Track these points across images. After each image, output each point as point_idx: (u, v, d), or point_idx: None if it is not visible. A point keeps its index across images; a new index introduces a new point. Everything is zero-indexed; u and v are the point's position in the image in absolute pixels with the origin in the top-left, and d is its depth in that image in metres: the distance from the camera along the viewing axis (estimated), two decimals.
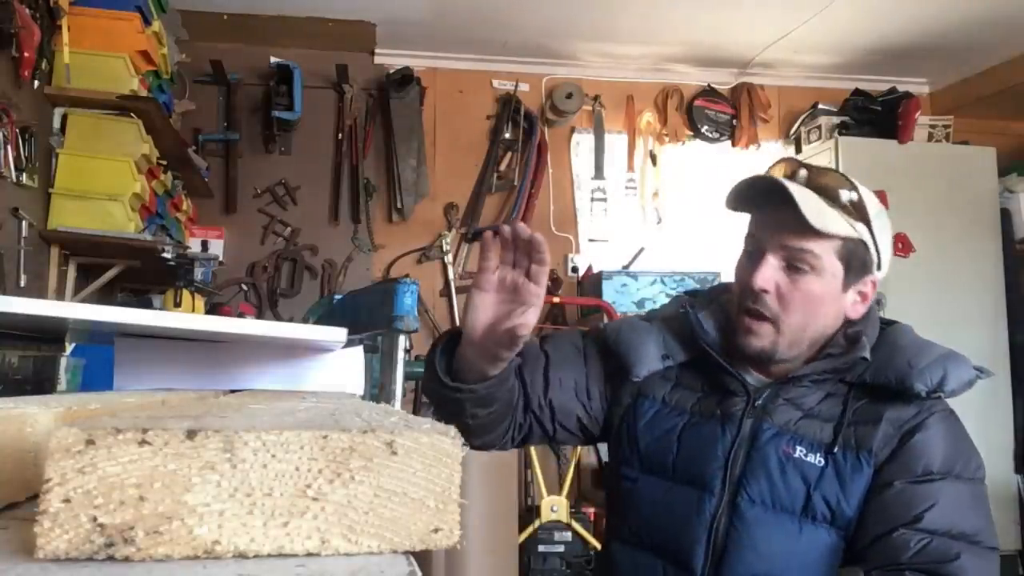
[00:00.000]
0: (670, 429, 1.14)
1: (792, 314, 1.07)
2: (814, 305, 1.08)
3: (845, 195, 1.06)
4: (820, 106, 3.83)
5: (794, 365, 1.11)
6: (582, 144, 3.90)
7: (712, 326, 1.16)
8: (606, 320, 3.31)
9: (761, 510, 1.05)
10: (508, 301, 0.96)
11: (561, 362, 1.20)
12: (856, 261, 1.08)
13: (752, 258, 1.10)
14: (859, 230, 1.07)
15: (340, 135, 3.64)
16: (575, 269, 3.77)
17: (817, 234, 1.04)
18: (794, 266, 1.06)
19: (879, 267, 1.11)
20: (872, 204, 1.08)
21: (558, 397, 1.18)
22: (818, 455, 1.06)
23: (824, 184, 1.07)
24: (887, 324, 1.16)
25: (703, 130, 3.93)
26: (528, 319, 0.94)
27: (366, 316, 0.84)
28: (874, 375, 1.08)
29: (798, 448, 1.06)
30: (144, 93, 2.52)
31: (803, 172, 1.09)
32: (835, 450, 1.05)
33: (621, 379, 1.19)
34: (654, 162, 3.89)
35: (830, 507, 1.04)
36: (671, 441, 1.13)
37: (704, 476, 1.08)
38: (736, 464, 1.08)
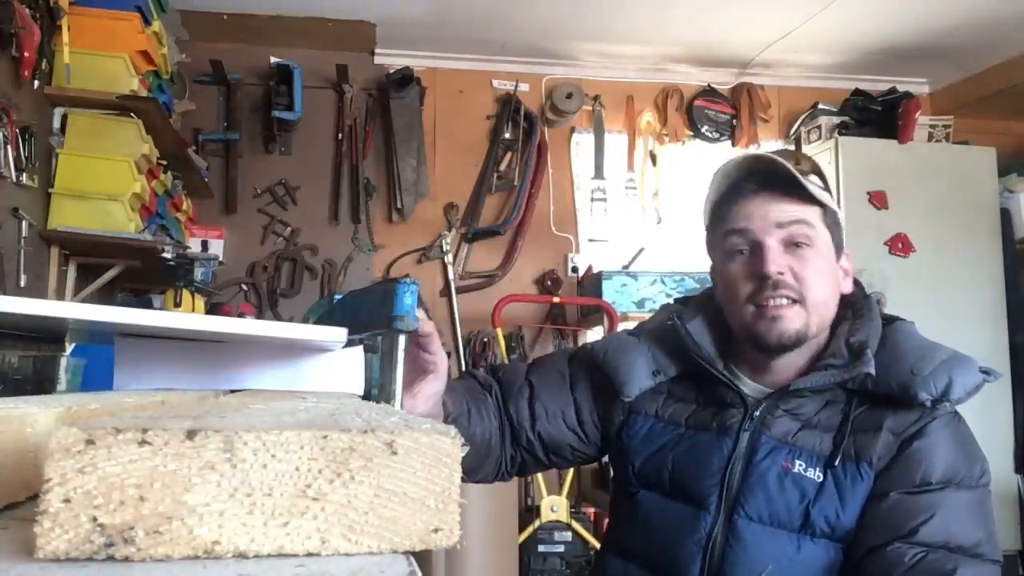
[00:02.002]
0: (665, 444, 1.11)
1: (812, 290, 1.05)
2: (824, 278, 1.07)
3: (806, 164, 1.08)
4: (820, 106, 3.82)
5: (800, 366, 1.08)
6: (582, 144, 3.90)
7: (704, 335, 1.13)
8: (605, 321, 3.31)
9: (759, 527, 1.01)
10: (410, 371, 0.93)
11: (547, 392, 1.18)
12: (837, 230, 1.09)
13: (750, 252, 1.06)
14: (830, 201, 1.07)
15: (340, 135, 3.64)
16: (575, 269, 3.77)
17: (803, 199, 1.04)
18: (795, 243, 1.05)
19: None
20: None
21: (547, 429, 1.17)
22: (817, 469, 1.01)
23: (786, 156, 1.07)
24: (888, 321, 1.11)
25: (703, 130, 3.93)
26: (425, 388, 0.92)
27: (366, 316, 0.83)
28: (876, 383, 1.02)
29: (797, 462, 1.02)
30: (144, 93, 2.52)
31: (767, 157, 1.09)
32: (835, 463, 1.01)
33: (611, 398, 1.16)
34: (654, 162, 3.89)
35: (829, 523, 1.00)
36: (665, 455, 1.10)
37: (699, 492, 1.05)
38: (733, 480, 1.04)
